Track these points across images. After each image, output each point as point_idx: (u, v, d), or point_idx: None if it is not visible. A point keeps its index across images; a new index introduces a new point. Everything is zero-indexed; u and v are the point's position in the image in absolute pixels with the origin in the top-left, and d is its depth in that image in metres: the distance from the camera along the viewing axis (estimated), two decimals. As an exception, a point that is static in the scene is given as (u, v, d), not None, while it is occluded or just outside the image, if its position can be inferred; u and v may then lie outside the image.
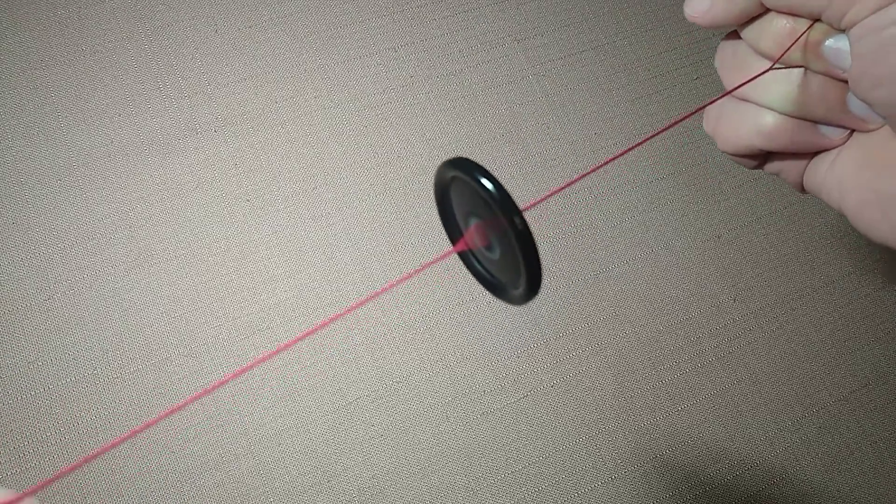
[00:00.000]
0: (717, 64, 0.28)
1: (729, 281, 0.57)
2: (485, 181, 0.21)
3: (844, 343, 0.56)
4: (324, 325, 0.21)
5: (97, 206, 0.53)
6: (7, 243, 0.51)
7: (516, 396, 0.52)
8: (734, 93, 0.27)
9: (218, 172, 0.55)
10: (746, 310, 0.56)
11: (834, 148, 0.26)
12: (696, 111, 0.26)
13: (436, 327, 0.53)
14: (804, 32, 0.24)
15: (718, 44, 0.29)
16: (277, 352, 0.19)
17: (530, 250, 0.21)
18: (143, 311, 0.51)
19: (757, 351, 0.55)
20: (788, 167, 0.28)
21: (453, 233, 0.27)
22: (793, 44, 0.24)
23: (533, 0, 0.63)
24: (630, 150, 0.25)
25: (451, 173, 0.24)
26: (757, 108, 0.26)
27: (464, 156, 0.23)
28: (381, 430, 0.50)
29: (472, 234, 0.25)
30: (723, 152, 0.29)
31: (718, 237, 0.58)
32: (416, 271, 0.22)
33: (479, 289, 0.47)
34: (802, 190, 0.28)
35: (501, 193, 0.21)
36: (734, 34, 0.27)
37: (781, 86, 0.25)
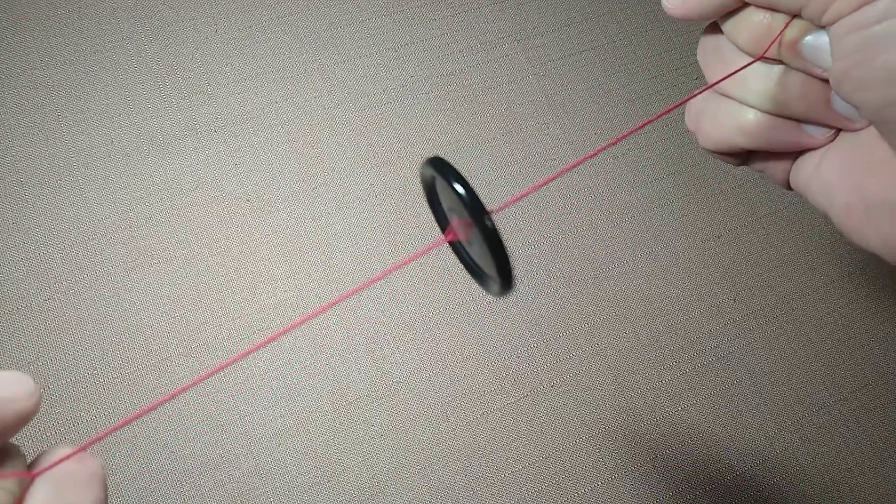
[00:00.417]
0: (698, 57, 0.27)
1: (729, 281, 0.57)
2: (456, 185, 0.22)
3: (844, 343, 0.56)
4: (317, 313, 0.21)
5: (97, 206, 0.53)
6: (7, 243, 0.51)
7: (516, 396, 0.52)
8: (715, 88, 0.26)
9: (218, 172, 0.55)
10: (746, 310, 0.56)
11: (820, 147, 0.25)
12: (672, 108, 0.25)
13: (436, 327, 0.53)
14: (783, 29, 0.23)
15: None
16: (271, 339, 0.19)
17: (499, 249, 0.21)
18: (143, 311, 0.51)
19: (757, 351, 0.55)
20: (773, 166, 0.27)
21: (442, 222, 0.27)
22: (773, 42, 0.23)
23: (533, 0, 0.63)
24: (612, 144, 0.25)
25: (430, 172, 0.24)
26: (738, 105, 0.25)
27: (439, 156, 0.23)
28: (380, 430, 0.50)
29: (456, 226, 0.25)
30: (703, 149, 0.28)
31: (718, 237, 0.58)
32: (403, 262, 0.22)
33: (479, 289, 0.47)
34: (789, 188, 0.27)
35: (470, 196, 0.21)
36: (715, 27, 0.26)
37: (761, 83, 0.24)
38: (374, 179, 0.56)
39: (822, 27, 0.22)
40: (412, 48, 0.60)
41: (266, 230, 0.54)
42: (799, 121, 0.25)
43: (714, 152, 0.27)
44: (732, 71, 0.25)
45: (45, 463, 0.19)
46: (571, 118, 0.60)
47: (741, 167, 0.60)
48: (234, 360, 0.20)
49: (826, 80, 0.23)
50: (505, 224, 0.56)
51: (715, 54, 0.26)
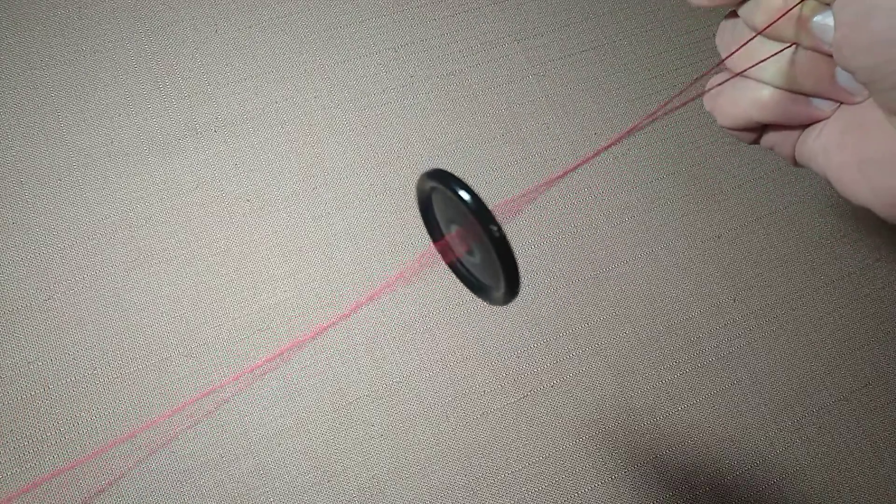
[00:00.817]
0: (717, 43, 0.30)
1: (729, 281, 0.57)
2: (462, 193, 0.22)
3: (844, 343, 0.56)
4: (328, 328, 0.21)
5: (97, 206, 0.53)
6: (7, 243, 0.51)
7: (516, 396, 0.52)
8: (735, 70, 0.29)
9: (218, 172, 0.55)
10: (746, 310, 0.56)
11: (824, 119, 0.28)
12: (686, 87, 0.27)
13: (436, 327, 0.53)
14: (794, 6, 0.26)
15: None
16: (284, 350, 0.19)
17: (507, 256, 0.22)
18: (143, 311, 0.51)
19: (757, 351, 0.55)
20: (782, 139, 0.30)
21: (436, 235, 0.28)
22: (782, 16, 0.26)
23: (533, 0, 0.63)
24: (608, 147, 0.25)
25: (430, 184, 0.24)
26: (755, 83, 0.29)
27: (441, 167, 0.24)
28: (380, 430, 0.50)
29: (455, 238, 0.26)
30: (722, 127, 0.31)
31: (718, 237, 0.58)
32: (408, 277, 0.22)
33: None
34: (795, 163, 0.30)
35: (478, 204, 0.22)
36: (734, 14, 0.29)
37: (776, 62, 0.27)
38: (374, 179, 0.56)
39: (828, 5, 0.25)
40: (412, 48, 0.60)
41: (266, 230, 0.54)
42: (808, 95, 0.28)
43: (731, 129, 0.31)
44: (742, 43, 0.28)
45: None
46: (571, 118, 0.60)
47: (741, 168, 0.60)
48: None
49: (831, 56, 0.26)
50: (505, 224, 0.56)
51: (732, 38, 0.29)
